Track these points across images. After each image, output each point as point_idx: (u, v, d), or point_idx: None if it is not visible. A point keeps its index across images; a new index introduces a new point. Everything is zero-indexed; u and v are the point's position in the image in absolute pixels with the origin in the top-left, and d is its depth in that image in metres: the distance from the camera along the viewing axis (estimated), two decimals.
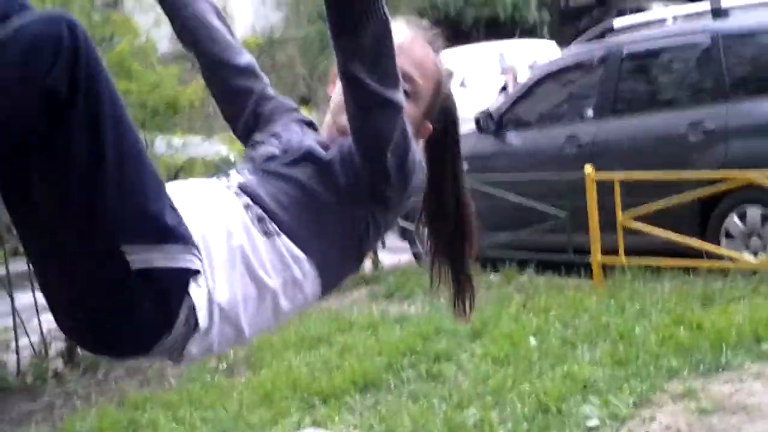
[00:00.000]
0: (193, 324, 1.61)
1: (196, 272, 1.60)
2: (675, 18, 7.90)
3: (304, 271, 1.75)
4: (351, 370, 5.19)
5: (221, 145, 8.10)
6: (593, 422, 4.24)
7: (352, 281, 7.45)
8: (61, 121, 1.45)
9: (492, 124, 7.94)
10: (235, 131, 2.09)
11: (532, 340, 5.34)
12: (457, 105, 1.99)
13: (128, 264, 1.53)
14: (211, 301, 1.63)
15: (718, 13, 7.02)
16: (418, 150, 1.79)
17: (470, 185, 2.03)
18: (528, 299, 6.30)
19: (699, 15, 7.51)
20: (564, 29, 22.69)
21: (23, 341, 6.23)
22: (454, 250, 1.99)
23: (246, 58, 2.06)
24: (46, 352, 6.24)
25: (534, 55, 15.31)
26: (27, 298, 6.41)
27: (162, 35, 7.71)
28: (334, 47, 1.65)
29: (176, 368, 5.91)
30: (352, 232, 1.80)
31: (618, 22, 8.15)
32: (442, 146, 1.95)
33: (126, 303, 1.56)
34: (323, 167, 1.77)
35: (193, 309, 1.60)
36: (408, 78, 1.81)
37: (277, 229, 1.72)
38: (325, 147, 1.81)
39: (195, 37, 2.04)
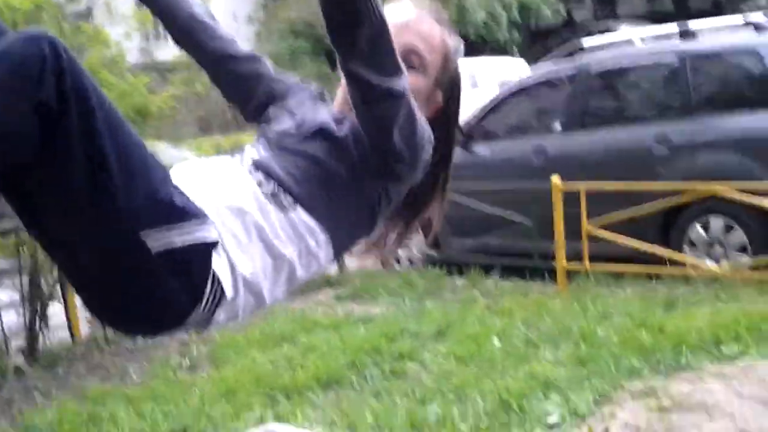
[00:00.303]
0: (219, 294, 1.68)
1: (215, 243, 1.67)
2: (643, 39, 8.01)
3: (318, 240, 1.82)
4: (314, 368, 5.18)
5: (188, 152, 8.10)
6: (554, 419, 4.25)
7: (317, 283, 7.45)
8: (58, 131, 1.51)
9: (460, 135, 7.99)
10: (245, 114, 2.17)
11: (496, 341, 5.36)
12: (462, 79, 2.06)
13: (149, 249, 1.59)
14: (234, 272, 1.70)
15: (686, 34, 7.15)
16: (425, 125, 1.84)
17: None
18: (493, 302, 6.33)
19: (667, 36, 7.63)
20: (533, 49, 22.89)
21: None
22: (419, 203, 2.05)
23: (246, 47, 2.15)
24: (7, 348, 6.18)
25: (504, 72, 15.42)
26: None
27: (132, 46, 7.66)
28: (332, 45, 1.71)
29: (138, 364, 5.88)
30: (365, 204, 1.87)
31: (587, 42, 8.25)
32: (444, 117, 2.02)
33: (155, 284, 1.63)
34: (336, 143, 1.83)
35: (218, 280, 1.67)
36: (415, 52, 1.90)
37: (292, 202, 1.78)
38: (339, 122, 1.87)
39: (195, 38, 2.12)
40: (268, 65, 2.15)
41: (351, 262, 7.97)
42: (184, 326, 1.73)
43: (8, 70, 1.46)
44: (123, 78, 7.18)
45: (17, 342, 6.28)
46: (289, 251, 1.78)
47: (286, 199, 1.78)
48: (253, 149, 1.88)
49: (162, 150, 8.28)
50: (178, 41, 2.15)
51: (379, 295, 6.95)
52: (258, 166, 1.81)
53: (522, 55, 20.21)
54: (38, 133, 1.49)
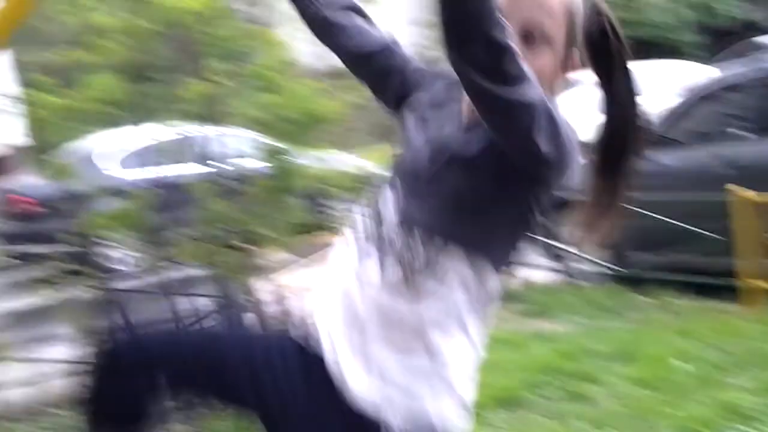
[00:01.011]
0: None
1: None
2: None
3: (481, 276, 1.80)
4: (493, 386, 5.13)
5: (362, 161, 8.17)
6: None
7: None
8: None
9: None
10: (386, 108, 2.13)
11: (681, 364, 5.18)
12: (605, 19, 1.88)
13: None
14: (465, 406, 1.85)
15: None
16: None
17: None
18: (676, 322, 6.12)
19: None
20: (716, 51, 22.02)
21: None
22: (619, 156, 1.89)
23: (378, 38, 2.08)
24: None
25: (677, 77, 14.80)
26: None
27: (306, 51, 7.79)
28: (450, 61, 1.63)
29: None
30: (517, 214, 1.81)
31: (763, 40, 7.88)
32: (601, 54, 1.87)
33: None
34: (472, 166, 1.77)
35: (455, 426, 1.84)
36: (535, 26, 1.78)
37: (445, 265, 1.77)
38: (469, 135, 1.80)
39: (331, 40, 2.11)
40: (402, 53, 2.08)
41: (533, 276, 7.89)
42: None
43: None
44: (297, 82, 7.25)
45: None
46: (461, 331, 1.81)
47: (441, 269, 1.77)
48: (393, 207, 1.85)
49: (335, 158, 8.41)
50: (318, 39, 2.14)
51: (560, 311, 6.85)
52: (405, 221, 1.81)
53: (705, 59, 19.40)
54: None
